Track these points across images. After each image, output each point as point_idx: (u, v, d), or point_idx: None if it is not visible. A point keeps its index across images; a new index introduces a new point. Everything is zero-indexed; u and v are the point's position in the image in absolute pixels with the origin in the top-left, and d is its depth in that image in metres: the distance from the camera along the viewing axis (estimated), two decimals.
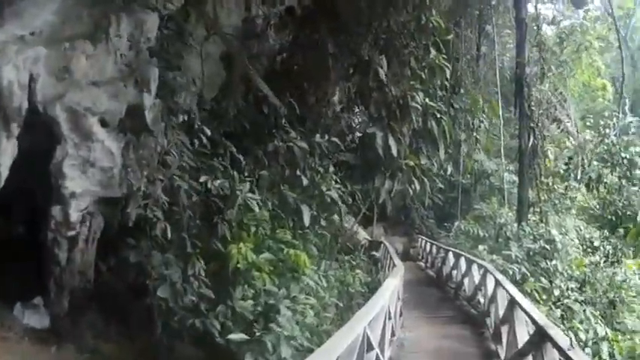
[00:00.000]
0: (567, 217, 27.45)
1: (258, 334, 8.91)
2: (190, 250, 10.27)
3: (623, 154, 17.93)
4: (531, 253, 22.16)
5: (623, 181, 18.18)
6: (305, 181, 12.20)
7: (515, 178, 33.10)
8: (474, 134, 37.08)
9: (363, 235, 31.01)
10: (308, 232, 12.49)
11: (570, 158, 22.30)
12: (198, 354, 10.78)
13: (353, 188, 14.12)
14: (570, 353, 6.11)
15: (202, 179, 10.92)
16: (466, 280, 17.33)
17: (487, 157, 36.59)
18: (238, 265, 10.35)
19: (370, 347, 7.50)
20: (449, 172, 32.66)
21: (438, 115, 16.54)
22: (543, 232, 23.06)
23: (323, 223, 13.09)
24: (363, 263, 24.27)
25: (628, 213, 17.71)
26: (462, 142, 33.45)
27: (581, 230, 26.00)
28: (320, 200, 12.85)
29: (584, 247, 24.64)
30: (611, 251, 20.18)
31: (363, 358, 6.93)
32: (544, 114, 26.85)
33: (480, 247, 22.18)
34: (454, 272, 19.62)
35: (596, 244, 24.57)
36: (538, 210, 25.32)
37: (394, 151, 12.49)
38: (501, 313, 11.36)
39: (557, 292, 19.62)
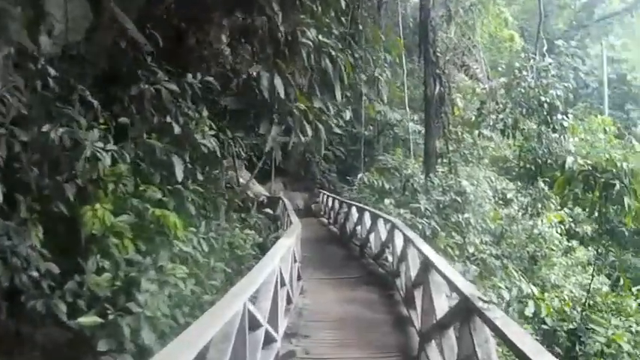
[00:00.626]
0: (478, 168, 26.70)
1: (111, 316, 6.95)
2: (25, 215, 8.09)
3: (543, 98, 16.78)
4: (441, 206, 21.18)
5: (543, 127, 17.09)
6: (177, 129, 9.96)
7: (422, 129, 32.33)
8: (377, 84, 35.85)
9: (260, 191, 29.25)
10: (181, 188, 10.34)
11: (483, 102, 21.05)
12: (46, 340, 8.74)
13: (234, 136, 11.94)
14: (505, 330, 4.67)
15: (45, 128, 8.66)
16: (372, 237, 15.91)
17: (390, 108, 35.30)
18: (93, 232, 8.30)
19: (256, 325, 6.13)
20: (348, 119, 31.27)
21: (333, 53, 14.58)
22: (453, 183, 22.10)
23: (200, 177, 10.89)
24: (261, 222, 22.65)
25: (548, 162, 16.71)
26: (364, 93, 32.10)
27: (492, 182, 25.28)
28: (195, 151, 10.71)
29: (497, 199, 23.93)
30: (531, 203, 19.26)
31: (246, 338, 5.47)
32: (451, 60, 25.71)
33: (386, 201, 20.89)
34: (358, 228, 18.21)
35: (509, 195, 23.88)
36: (447, 161, 24.33)
37: (281, 93, 10.45)
38: (413, 274, 9.90)
39: (471, 249, 18.67)
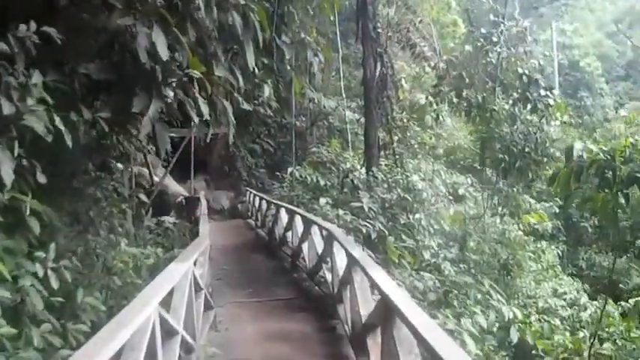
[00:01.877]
0: (426, 161, 24.29)
1: None
2: None
3: (520, 70, 14.25)
4: (387, 204, 18.61)
5: (519, 107, 14.59)
6: (7, 108, 6.52)
7: (360, 117, 29.79)
8: (309, 69, 33.16)
9: (178, 190, 26.14)
10: (19, 197, 6.95)
11: (441, 78, 18.26)
12: None
13: (94, 117, 8.57)
14: None
15: None
16: (305, 247, 13.22)
17: (324, 96, 32.58)
18: None
19: None
20: (267, 96, 28.43)
21: (243, 2, 11.32)
22: (400, 178, 19.57)
23: (42, 178, 7.42)
24: (176, 228, 19.68)
25: (526, 150, 14.26)
26: (294, 79, 29.35)
27: (441, 176, 22.89)
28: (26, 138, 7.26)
29: (447, 195, 21.56)
30: (502, 200, 16.76)
31: None
32: (394, 37, 23.14)
33: (322, 200, 18.14)
34: (289, 235, 15.51)
35: (461, 191, 21.52)
36: (391, 153, 21.76)
37: (164, 56, 7.31)
38: (365, 311, 7.21)
39: (427, 254, 16.15)
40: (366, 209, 17.09)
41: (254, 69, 11.22)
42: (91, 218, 9.81)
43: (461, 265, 16.35)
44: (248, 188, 28.03)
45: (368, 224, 16.60)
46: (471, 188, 23.19)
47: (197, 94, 8.33)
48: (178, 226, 21.35)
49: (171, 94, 7.97)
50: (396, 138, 21.86)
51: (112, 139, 10.59)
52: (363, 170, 20.75)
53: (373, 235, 16.57)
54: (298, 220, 14.24)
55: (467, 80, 16.28)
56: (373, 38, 21.34)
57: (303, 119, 32.58)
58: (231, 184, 31.24)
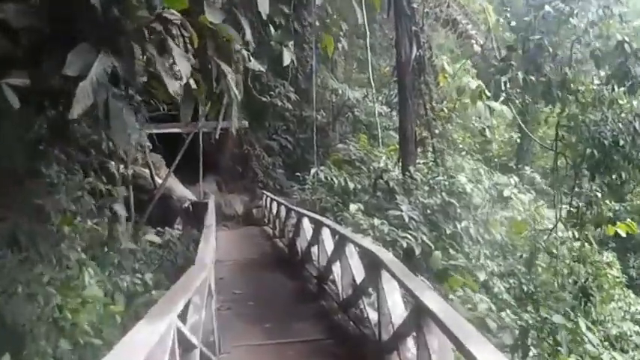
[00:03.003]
0: (465, 159, 21.63)
1: None
2: None
3: (619, 36, 11.51)
4: (428, 211, 16.07)
5: (611, 86, 11.83)
6: None
7: (389, 111, 27.27)
8: (331, 56, 30.62)
9: (184, 194, 23.68)
10: None
11: (511, 49, 15.28)
12: None
13: None
14: None
15: None
16: (336, 269, 10.60)
17: (349, 86, 29.96)
18: None
19: None
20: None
21: None
22: (442, 179, 16.98)
23: None
24: (179, 242, 17.30)
25: (620, 143, 11.54)
26: (315, 67, 26.90)
27: (481, 175, 20.18)
28: None
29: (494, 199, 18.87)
30: (586, 206, 14.04)
31: None
32: (432, 14, 20.48)
33: (352, 207, 15.65)
34: (314, 250, 12.88)
35: (505, 193, 18.78)
36: (430, 149, 19.15)
37: None
38: None
39: (482, 275, 13.60)
40: (406, 218, 14.64)
41: (268, 23, 8.56)
42: (34, 240, 7.21)
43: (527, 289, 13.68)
44: (264, 191, 25.43)
45: (409, 236, 14.13)
46: (515, 190, 20.54)
47: (170, 46, 5.73)
48: (184, 237, 18.98)
49: (138, 50, 5.39)
50: (436, 130, 19.19)
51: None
52: (397, 170, 18.25)
53: (417, 251, 14.09)
54: (326, 233, 11.65)
55: (549, 50, 13.44)
56: (408, 15, 18.87)
57: (324, 114, 30.01)
58: (245, 187, 28.67)
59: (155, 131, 22.58)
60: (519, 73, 13.19)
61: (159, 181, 22.52)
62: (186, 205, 22.81)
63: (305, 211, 14.58)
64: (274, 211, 20.97)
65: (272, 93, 28.54)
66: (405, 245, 14.10)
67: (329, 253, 11.13)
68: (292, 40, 18.56)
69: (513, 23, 23.42)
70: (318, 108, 28.68)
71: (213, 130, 23.83)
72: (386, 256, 7.38)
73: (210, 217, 14.54)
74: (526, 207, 21.16)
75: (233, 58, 7.76)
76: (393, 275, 6.66)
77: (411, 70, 18.89)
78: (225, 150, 28.30)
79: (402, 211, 14.97)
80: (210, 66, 6.83)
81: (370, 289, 8.49)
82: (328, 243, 11.42)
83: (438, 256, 14.42)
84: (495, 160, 29.38)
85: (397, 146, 21.57)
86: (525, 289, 15.04)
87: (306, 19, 28.63)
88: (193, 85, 7.37)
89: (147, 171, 22.02)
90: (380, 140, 21.64)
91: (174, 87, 5.82)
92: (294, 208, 16.35)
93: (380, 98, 26.68)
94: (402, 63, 18.91)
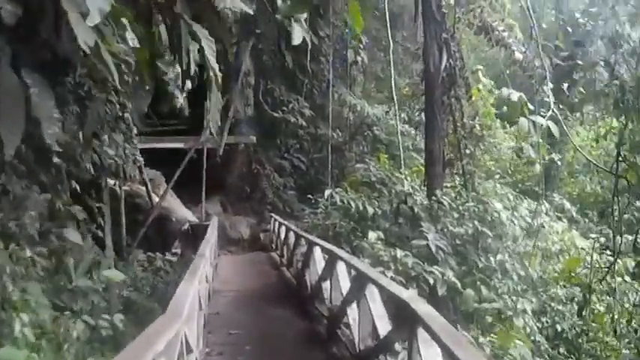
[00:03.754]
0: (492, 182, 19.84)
1: None
2: None
3: None
4: (458, 241, 14.31)
5: None
6: None
7: (412, 129, 25.56)
8: (349, 70, 29.03)
9: (184, 215, 22.03)
10: None
11: (578, 44, 13.37)
12: None
13: None
14: None
15: None
16: (353, 313, 8.84)
17: (368, 103, 28.28)
18: None
19: None
20: (305, 116, 24.49)
21: None
22: (473, 205, 15.22)
23: None
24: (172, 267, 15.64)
25: None
26: (332, 82, 25.34)
27: (510, 201, 18.35)
28: None
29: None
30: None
31: None
32: (464, 20, 18.74)
33: (372, 235, 13.91)
34: (326, 286, 11.12)
35: (536, 222, 17.00)
36: (459, 171, 17.40)
37: None
38: None
39: (519, 321, 11.85)
40: (434, 249, 12.82)
41: None
42: None
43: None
44: (272, 214, 23.65)
45: (436, 271, 12.36)
46: (546, 217, 18.77)
47: None
48: (179, 263, 17.26)
49: None
50: (467, 150, 17.41)
51: None
52: (421, 194, 16.52)
53: (441, 291, 12.35)
54: (341, 268, 9.90)
55: (622, 46, 11.59)
56: (437, 21, 17.19)
57: (341, 133, 28.31)
58: (252, 209, 26.97)
59: (152, 145, 21.08)
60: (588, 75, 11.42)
61: (157, 199, 20.91)
62: (185, 227, 21.11)
63: (317, 240, 12.82)
64: (282, 236, 19.26)
65: (285, 108, 27.05)
66: (431, 281, 12.30)
67: (344, 291, 9.37)
68: (307, 10, 16.48)
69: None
70: (335, 126, 27.06)
71: (218, 146, 22.28)
72: (423, 308, 5.56)
73: (205, 245, 12.72)
74: (559, 237, 19.48)
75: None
76: (435, 338, 4.87)
77: (440, 82, 17.23)
78: (233, 168, 26.69)
79: (428, 240, 13.18)
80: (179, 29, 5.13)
81: (398, 346, 6.71)
82: (344, 280, 9.68)
83: (470, 295, 12.64)
84: (520, 185, 27.62)
85: (421, 168, 19.84)
86: (560, 328, 13.32)
87: (323, 29, 27.16)
88: None
89: (143, 188, 20.41)
90: (402, 161, 19.85)
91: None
92: (305, 235, 14.58)
93: (402, 116, 24.87)
94: (431, 74, 17.22)
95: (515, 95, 14.56)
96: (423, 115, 27.35)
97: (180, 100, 23.54)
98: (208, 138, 21.37)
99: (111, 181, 19.41)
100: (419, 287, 12.25)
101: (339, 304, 9.71)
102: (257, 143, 26.61)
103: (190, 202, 24.04)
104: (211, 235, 15.44)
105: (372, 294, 7.75)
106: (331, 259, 10.60)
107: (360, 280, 8.29)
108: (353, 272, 9.08)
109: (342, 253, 10.16)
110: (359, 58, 28.89)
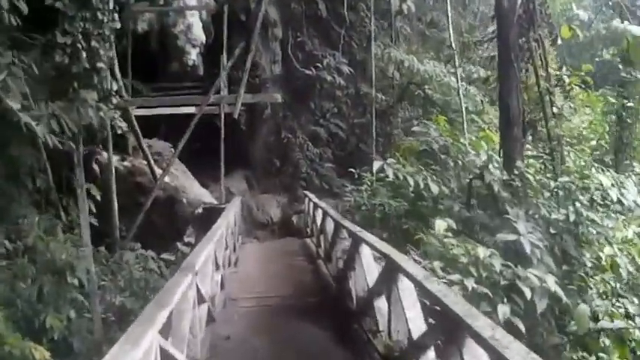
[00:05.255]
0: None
1: None
2: None
3: None
4: (552, 231, 11.12)
5: None
6: None
7: (471, 89, 22.28)
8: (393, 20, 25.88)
9: (200, 194, 19.07)
10: None
11: None
12: None
13: None
14: None
15: None
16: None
17: (417, 59, 24.93)
18: None
19: None
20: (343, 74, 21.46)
21: None
22: (568, 181, 11.99)
23: None
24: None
25: None
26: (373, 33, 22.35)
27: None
28: None
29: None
30: None
31: None
32: None
33: (440, 224, 10.70)
34: (381, 304, 7.97)
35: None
36: (541, 135, 14.16)
37: None
38: None
39: None
40: (527, 247, 9.59)
41: None
42: None
43: None
44: (306, 192, 20.52)
45: (535, 277, 9.17)
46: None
47: None
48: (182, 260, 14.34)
49: None
50: (553, 109, 14.05)
51: None
52: (497, 166, 13.27)
53: (541, 305, 9.21)
54: (406, 286, 6.73)
55: None
56: None
57: (384, 97, 25.15)
58: (283, 185, 24.09)
59: (156, 111, 18.22)
60: None
61: (166, 180, 17.95)
62: (199, 210, 18.07)
63: (365, 234, 9.50)
64: (318, 221, 16.12)
65: (319, 65, 24.08)
66: (527, 293, 9.09)
67: (413, 327, 6.21)
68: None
69: None
70: (379, 86, 24.04)
71: (240, 107, 19.25)
72: None
73: (205, 243, 9.52)
74: None
75: None
76: None
77: (516, 21, 13.97)
78: (258, 137, 23.76)
79: (518, 232, 9.93)
80: None
81: None
82: (410, 305, 6.52)
83: (585, 312, 9.39)
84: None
85: (488, 133, 16.56)
86: None
87: None
88: None
89: (143, 161, 17.55)
90: (464, 124, 16.56)
91: None
92: (347, 224, 11.27)
93: (460, 73, 21.60)
94: (504, 9, 14.02)
95: (637, 29, 11.18)
96: (481, 70, 24.29)
97: (193, 56, 20.62)
98: (222, 98, 18.38)
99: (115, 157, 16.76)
100: (510, 301, 9.10)
101: (403, 341, 6.58)
102: (286, 107, 23.75)
103: (210, 180, 21.06)
104: (223, 222, 12.32)
105: (473, 350, 4.57)
106: (389, 269, 7.38)
107: (447, 321, 5.10)
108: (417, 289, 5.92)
109: (407, 264, 6.88)
110: (405, 6, 25.67)
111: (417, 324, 6.21)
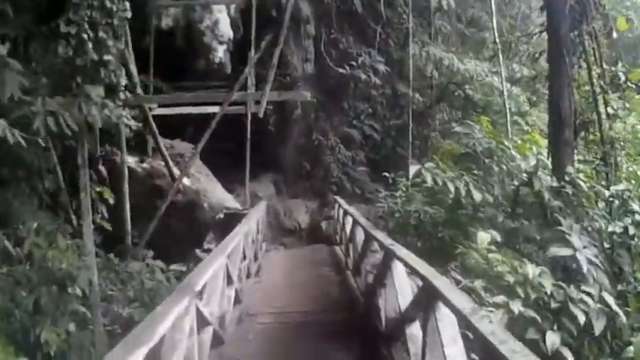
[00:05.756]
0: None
1: None
2: None
3: None
4: (606, 244, 9.98)
5: None
6: None
7: (514, 89, 21.18)
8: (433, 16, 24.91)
9: (222, 199, 18.21)
10: None
11: None
12: None
13: None
14: None
15: None
16: None
17: (457, 58, 23.86)
18: None
19: None
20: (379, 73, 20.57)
21: None
22: (625, 189, 10.86)
23: None
24: None
25: None
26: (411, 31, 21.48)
27: None
28: None
29: None
30: None
31: None
32: None
33: (482, 237, 9.49)
34: (415, 331, 6.95)
35: None
36: (597, 135, 13.01)
37: None
38: None
39: None
40: (584, 265, 8.46)
41: None
42: None
43: None
44: (337, 197, 19.54)
45: (589, 300, 8.05)
46: None
47: None
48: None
49: None
50: (609, 109, 12.85)
51: None
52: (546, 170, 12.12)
53: (598, 327, 8.09)
54: (446, 315, 5.63)
55: None
56: None
57: (421, 99, 24.12)
58: (313, 190, 23.26)
59: (177, 111, 17.42)
60: None
61: (187, 183, 17.07)
62: (220, 215, 17.16)
63: (399, 248, 8.39)
64: (347, 229, 15.15)
65: (353, 63, 23.22)
66: (582, 319, 7.94)
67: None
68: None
69: None
70: (416, 86, 23.17)
71: (266, 107, 18.31)
72: None
73: (215, 256, 8.52)
74: None
75: None
76: None
77: (568, 11, 12.80)
78: (288, 139, 22.87)
79: (573, 247, 8.77)
80: None
81: None
82: (451, 342, 5.42)
83: None
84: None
85: (534, 135, 15.39)
86: None
87: None
88: None
89: (161, 163, 16.73)
90: (508, 126, 15.39)
91: None
92: (378, 236, 10.17)
93: (503, 72, 20.46)
94: (554, 2, 12.84)
95: None
96: (525, 69, 23.13)
97: (220, 54, 19.76)
98: (247, 95, 17.49)
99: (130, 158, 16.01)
100: (560, 327, 7.95)
101: None
102: (319, 107, 22.88)
103: (236, 184, 20.19)
104: (241, 230, 11.37)
105: None
106: (426, 294, 6.27)
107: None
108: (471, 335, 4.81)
109: (448, 291, 5.72)
110: (444, 3, 24.62)
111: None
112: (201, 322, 6.61)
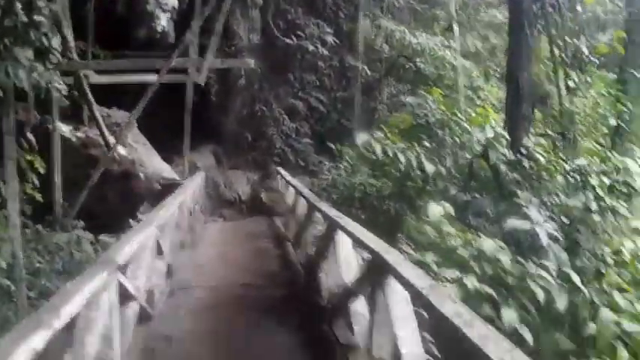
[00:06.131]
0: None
1: None
2: None
3: None
4: (565, 219, 9.58)
5: None
6: None
7: (467, 64, 20.81)
8: None
9: (160, 169, 17.33)
10: None
11: None
12: None
13: None
14: None
15: None
16: None
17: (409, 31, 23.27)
18: None
19: None
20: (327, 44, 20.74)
21: None
22: (586, 164, 10.45)
23: None
24: None
25: None
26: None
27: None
28: None
29: None
30: None
31: None
32: None
33: (433, 209, 8.90)
34: (358, 309, 6.23)
35: None
36: (557, 109, 12.62)
37: None
38: None
39: None
40: (544, 239, 7.89)
41: None
42: None
43: None
44: (279, 168, 18.94)
45: (549, 277, 7.51)
46: None
47: None
48: None
49: None
50: (569, 85, 12.38)
51: None
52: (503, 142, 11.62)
53: (561, 306, 7.55)
54: (401, 299, 4.92)
55: None
56: None
57: (369, 72, 23.49)
58: (255, 161, 22.56)
59: (115, 79, 16.52)
60: None
61: (123, 152, 16.18)
62: (156, 185, 16.36)
63: (344, 219, 7.67)
64: (289, 201, 14.42)
65: (301, 34, 22.38)
66: (542, 296, 7.39)
67: (407, 354, 4.46)
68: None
69: None
70: (365, 59, 22.95)
71: (209, 75, 17.50)
72: None
73: (142, 227, 7.74)
74: None
75: None
76: None
77: None
78: (230, 110, 22.05)
79: (530, 221, 8.20)
80: None
81: None
82: (402, 322, 4.74)
83: (610, 317, 7.70)
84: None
85: (488, 109, 14.90)
86: None
87: None
88: None
89: (96, 131, 15.82)
90: (461, 97, 14.85)
91: None
92: (323, 207, 9.48)
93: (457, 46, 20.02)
94: None
95: None
96: (479, 43, 22.74)
97: (163, 22, 18.86)
98: (187, 61, 16.69)
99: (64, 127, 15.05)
100: (517, 303, 7.39)
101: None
102: (263, 77, 22.06)
103: (175, 154, 19.43)
104: (174, 200, 10.61)
105: None
106: (375, 267, 5.55)
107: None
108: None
109: (402, 267, 5.00)
110: None
111: (412, 349, 4.45)
112: (125, 297, 5.86)
